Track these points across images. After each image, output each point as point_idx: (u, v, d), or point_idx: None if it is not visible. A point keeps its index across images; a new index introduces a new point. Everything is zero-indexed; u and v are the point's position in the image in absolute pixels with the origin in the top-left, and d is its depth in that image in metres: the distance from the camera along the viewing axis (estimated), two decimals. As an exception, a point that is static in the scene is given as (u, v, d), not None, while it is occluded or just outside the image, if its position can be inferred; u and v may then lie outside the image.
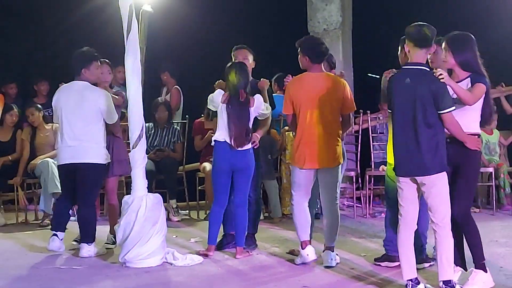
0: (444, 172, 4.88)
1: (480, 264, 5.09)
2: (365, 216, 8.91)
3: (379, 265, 5.94)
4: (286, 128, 8.60)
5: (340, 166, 6.11)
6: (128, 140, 6.43)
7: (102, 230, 7.16)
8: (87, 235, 6.57)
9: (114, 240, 6.70)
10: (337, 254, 6.10)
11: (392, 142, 5.08)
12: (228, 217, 6.74)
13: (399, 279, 5.24)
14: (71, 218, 7.02)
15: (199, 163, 9.25)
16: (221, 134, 6.35)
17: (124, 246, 6.13)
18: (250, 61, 6.80)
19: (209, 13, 11.06)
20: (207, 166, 8.64)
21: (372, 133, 9.18)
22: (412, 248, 4.99)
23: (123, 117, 7.14)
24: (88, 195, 6.61)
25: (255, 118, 6.48)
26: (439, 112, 4.84)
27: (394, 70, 5.90)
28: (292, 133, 6.55)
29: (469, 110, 5.03)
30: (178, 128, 9.32)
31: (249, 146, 6.36)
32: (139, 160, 6.30)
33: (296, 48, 6.12)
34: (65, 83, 6.85)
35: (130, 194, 6.33)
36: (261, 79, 6.79)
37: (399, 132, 4.96)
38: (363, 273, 5.74)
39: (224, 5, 11.20)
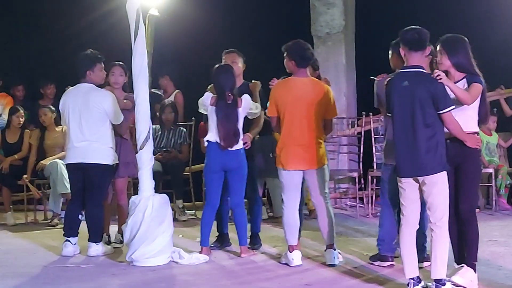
0: (445, 172, 4.95)
1: (472, 263, 5.15)
2: (367, 216, 8.99)
3: (373, 264, 6.04)
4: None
5: (326, 166, 6.23)
6: (136, 142, 6.53)
7: (110, 230, 7.30)
8: (95, 234, 6.67)
9: (121, 239, 6.81)
10: (339, 253, 6.20)
11: (393, 144, 5.16)
12: (223, 217, 6.87)
13: (401, 278, 5.29)
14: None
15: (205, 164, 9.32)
16: (212, 135, 6.45)
17: (131, 245, 6.24)
18: (239, 64, 6.89)
19: (214, 17, 11.13)
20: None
21: (374, 135, 9.29)
22: (415, 247, 5.05)
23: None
24: (96, 195, 6.71)
25: (247, 119, 6.57)
26: (439, 112, 4.91)
27: (386, 74, 6.06)
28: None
29: (467, 109, 5.11)
30: (185, 129, 9.40)
31: (239, 146, 6.44)
32: (146, 161, 6.41)
33: (283, 52, 6.22)
34: (72, 86, 6.95)
35: (137, 194, 6.45)
36: (252, 81, 6.85)
37: (399, 134, 5.03)
38: (365, 272, 5.82)
39: (229, 10, 11.28)
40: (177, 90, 10.31)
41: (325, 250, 6.17)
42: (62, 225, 7.21)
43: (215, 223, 6.86)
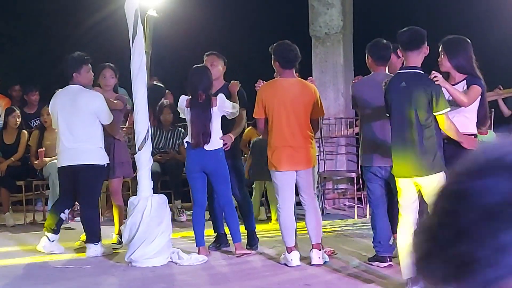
0: (443, 172, 4.94)
1: None
2: (365, 216, 9.00)
3: (371, 264, 6.06)
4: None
5: (315, 166, 6.27)
6: (130, 142, 6.53)
7: (109, 231, 7.30)
8: (92, 236, 6.68)
9: (120, 240, 6.83)
10: (324, 252, 6.22)
11: (391, 145, 5.19)
12: (218, 217, 6.89)
13: (399, 278, 5.30)
14: (75, 219, 7.12)
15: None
16: (189, 136, 6.50)
17: (130, 246, 6.25)
18: (218, 66, 6.89)
19: (212, 18, 11.17)
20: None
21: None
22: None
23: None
24: (91, 196, 6.72)
25: (228, 119, 6.56)
26: (434, 113, 4.93)
27: (361, 76, 6.13)
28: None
29: (465, 111, 5.13)
30: (183, 130, 9.41)
31: (216, 146, 6.43)
32: (144, 162, 6.43)
33: (270, 53, 6.24)
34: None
35: (136, 195, 6.46)
36: (232, 82, 6.85)
37: (396, 135, 5.05)
38: (364, 272, 5.84)
39: (227, 11, 11.31)
40: (166, 91, 10.31)
41: (311, 250, 6.17)
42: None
43: (212, 224, 6.87)
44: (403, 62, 6.32)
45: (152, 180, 6.49)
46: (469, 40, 5.28)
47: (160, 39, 10.15)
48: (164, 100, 9.75)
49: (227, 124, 6.57)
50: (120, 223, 6.78)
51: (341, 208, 9.81)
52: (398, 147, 5.05)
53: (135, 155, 6.53)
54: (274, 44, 6.25)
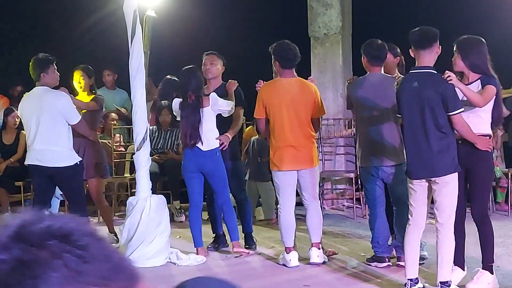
0: (456, 173, 4.88)
1: (488, 265, 5.14)
2: (364, 217, 8.96)
3: (370, 265, 6.05)
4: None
5: (318, 166, 6.29)
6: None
7: (104, 230, 7.29)
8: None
9: (116, 238, 6.81)
10: (325, 253, 6.22)
11: (404, 146, 5.15)
12: (216, 218, 6.88)
13: (398, 278, 5.33)
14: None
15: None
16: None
17: (129, 246, 6.25)
18: (217, 65, 6.88)
19: (211, 18, 11.17)
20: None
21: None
22: (418, 249, 5.05)
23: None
24: (77, 196, 6.62)
25: (225, 119, 6.54)
26: (448, 114, 4.85)
27: (356, 77, 6.12)
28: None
29: (480, 111, 5.05)
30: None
31: (212, 147, 6.42)
32: (143, 162, 6.43)
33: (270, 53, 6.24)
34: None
35: (134, 195, 6.46)
36: (229, 81, 6.85)
37: (409, 135, 4.99)
38: (362, 272, 5.85)
39: (226, 11, 11.31)
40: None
41: (310, 249, 6.18)
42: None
43: (210, 225, 6.86)
44: (403, 62, 6.34)
45: (150, 180, 6.49)
46: (483, 40, 5.22)
47: (159, 39, 10.15)
48: (163, 101, 9.74)
49: (224, 124, 6.56)
50: (110, 221, 6.80)
51: (340, 209, 9.80)
52: (411, 148, 4.99)
53: (133, 155, 6.52)
54: (274, 44, 6.25)
